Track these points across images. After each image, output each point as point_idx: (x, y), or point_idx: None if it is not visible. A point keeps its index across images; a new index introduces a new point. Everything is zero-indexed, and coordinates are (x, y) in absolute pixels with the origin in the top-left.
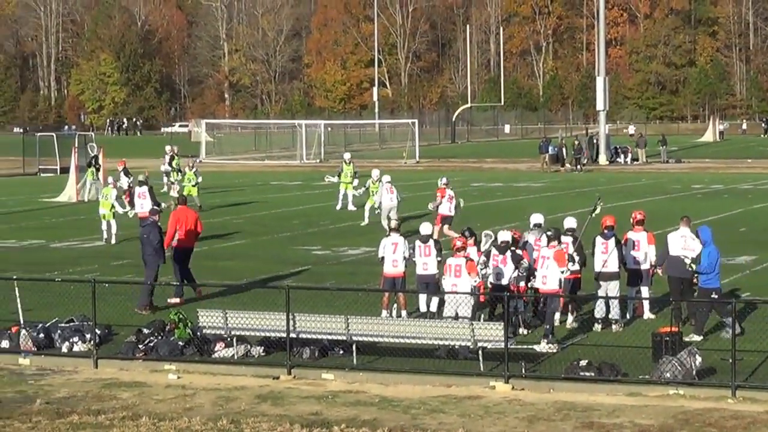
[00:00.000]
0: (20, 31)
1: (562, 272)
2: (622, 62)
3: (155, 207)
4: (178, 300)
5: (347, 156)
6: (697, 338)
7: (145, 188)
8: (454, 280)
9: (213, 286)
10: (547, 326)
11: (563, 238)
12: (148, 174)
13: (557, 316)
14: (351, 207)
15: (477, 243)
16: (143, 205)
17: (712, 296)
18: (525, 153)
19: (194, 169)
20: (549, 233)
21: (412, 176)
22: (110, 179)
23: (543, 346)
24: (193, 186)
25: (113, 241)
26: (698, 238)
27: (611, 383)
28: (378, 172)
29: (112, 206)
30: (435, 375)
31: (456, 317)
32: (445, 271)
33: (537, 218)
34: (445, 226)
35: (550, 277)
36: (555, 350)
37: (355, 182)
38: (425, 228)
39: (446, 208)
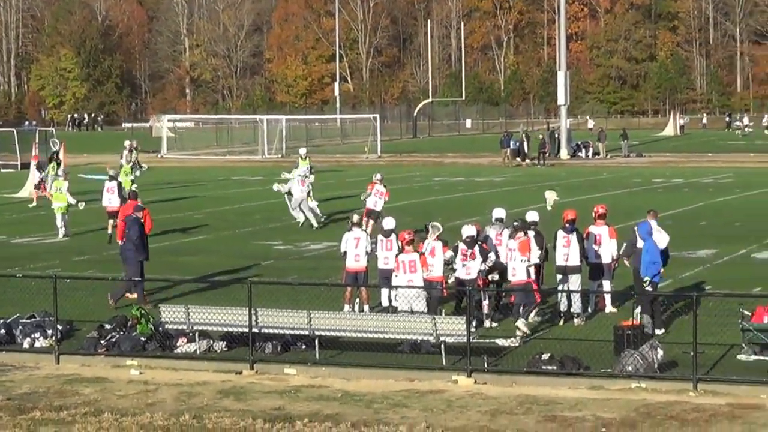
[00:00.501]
0: None
1: (522, 261)
2: (582, 57)
3: (139, 204)
4: (136, 295)
5: (303, 151)
6: (659, 332)
7: (114, 183)
8: (409, 275)
9: (177, 282)
10: (521, 315)
11: (516, 233)
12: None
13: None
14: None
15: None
16: (111, 200)
17: (646, 288)
18: (486, 147)
19: (131, 164)
20: (516, 224)
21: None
22: (60, 172)
23: (521, 324)
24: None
25: (64, 235)
26: (637, 233)
27: (573, 377)
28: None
29: (66, 199)
30: (398, 369)
31: (411, 312)
32: (398, 267)
33: (499, 212)
34: (370, 221)
35: (518, 269)
36: (517, 344)
37: (311, 177)
38: (388, 222)
39: (372, 202)
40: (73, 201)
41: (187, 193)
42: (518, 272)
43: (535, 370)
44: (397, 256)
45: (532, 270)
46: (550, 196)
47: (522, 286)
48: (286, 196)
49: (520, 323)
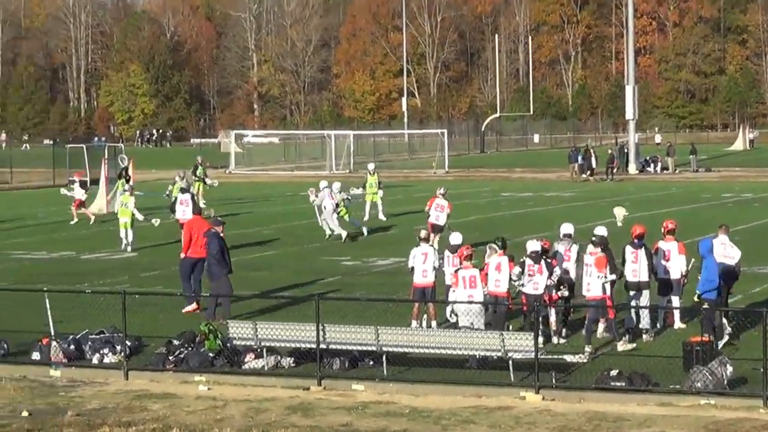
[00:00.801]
0: (50, 43)
1: (598, 278)
2: (651, 71)
3: (218, 218)
4: (193, 308)
5: (371, 166)
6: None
7: (187, 195)
8: (470, 291)
9: (244, 297)
10: (614, 337)
11: (593, 248)
12: (185, 176)
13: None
14: (381, 216)
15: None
16: (185, 212)
17: (703, 307)
18: (554, 162)
19: (184, 180)
20: (593, 239)
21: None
22: (127, 187)
23: (620, 346)
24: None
25: (129, 249)
26: (698, 251)
27: (642, 393)
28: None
29: (132, 214)
30: (465, 385)
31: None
32: (457, 282)
33: (567, 228)
34: (437, 236)
35: (593, 285)
36: (585, 360)
37: (380, 193)
38: (455, 238)
39: (434, 216)
40: (140, 217)
41: (255, 209)
42: (593, 288)
43: (604, 387)
44: (456, 271)
45: (608, 286)
46: (620, 212)
47: (597, 302)
48: (316, 208)
49: (621, 345)
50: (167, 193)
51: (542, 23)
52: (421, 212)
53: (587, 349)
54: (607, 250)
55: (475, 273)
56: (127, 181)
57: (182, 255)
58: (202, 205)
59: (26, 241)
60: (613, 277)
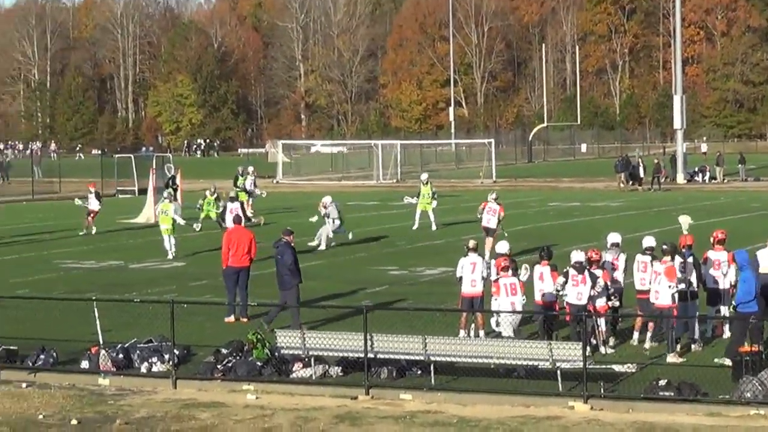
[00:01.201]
0: (98, 53)
1: (669, 287)
2: (699, 80)
3: (288, 228)
4: (232, 318)
5: (424, 176)
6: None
7: (236, 204)
8: (512, 298)
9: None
10: (668, 342)
11: (641, 258)
12: (215, 190)
13: (636, 335)
14: (433, 227)
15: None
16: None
17: (752, 318)
18: (602, 172)
19: (215, 194)
20: (664, 248)
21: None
22: (166, 194)
23: (670, 358)
24: (216, 211)
25: (171, 256)
26: (735, 261)
27: (691, 403)
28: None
29: (173, 221)
30: (513, 395)
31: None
32: (498, 291)
33: (614, 237)
34: (488, 238)
35: (662, 293)
36: (634, 370)
37: (434, 204)
38: (501, 247)
39: (486, 219)
40: (182, 222)
41: (302, 219)
42: (662, 296)
43: (653, 396)
44: (496, 280)
45: (676, 296)
46: (685, 221)
47: (665, 310)
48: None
49: (671, 357)
50: (198, 206)
51: (589, 33)
52: (468, 222)
53: (672, 358)
54: (654, 261)
55: (515, 280)
56: (175, 191)
57: (223, 265)
58: (249, 214)
59: (75, 250)
60: (682, 286)
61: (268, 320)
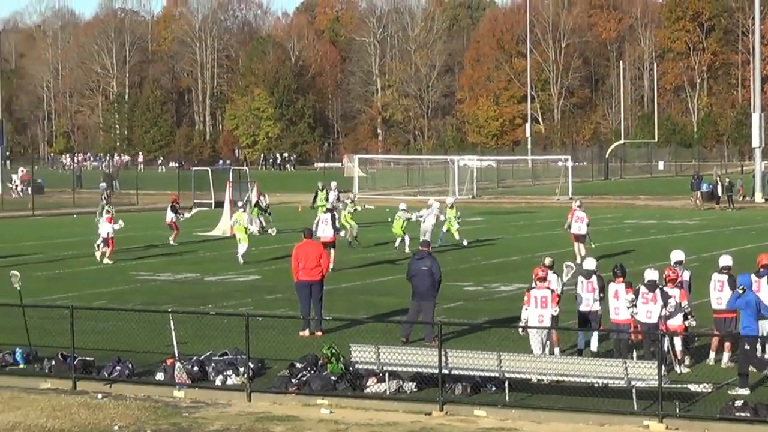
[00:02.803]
0: (176, 66)
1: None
2: None
3: (425, 239)
4: (306, 333)
5: (450, 200)
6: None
7: (328, 215)
8: (540, 311)
9: (366, 321)
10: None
11: (717, 276)
12: (301, 209)
13: (712, 355)
14: (465, 242)
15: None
16: (325, 230)
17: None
18: (679, 190)
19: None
20: (761, 270)
21: (564, 212)
22: (239, 204)
23: None
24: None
25: (241, 261)
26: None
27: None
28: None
29: (246, 229)
30: (588, 413)
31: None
32: (528, 301)
33: (677, 255)
34: (581, 245)
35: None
36: (709, 389)
37: (456, 225)
38: (589, 263)
39: (576, 227)
40: (252, 228)
41: (379, 233)
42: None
43: (728, 417)
44: (528, 290)
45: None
46: None
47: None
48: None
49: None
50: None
51: (667, 50)
52: (543, 237)
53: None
54: (731, 279)
55: (546, 293)
56: (264, 209)
57: (294, 279)
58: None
59: (152, 262)
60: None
61: (404, 334)
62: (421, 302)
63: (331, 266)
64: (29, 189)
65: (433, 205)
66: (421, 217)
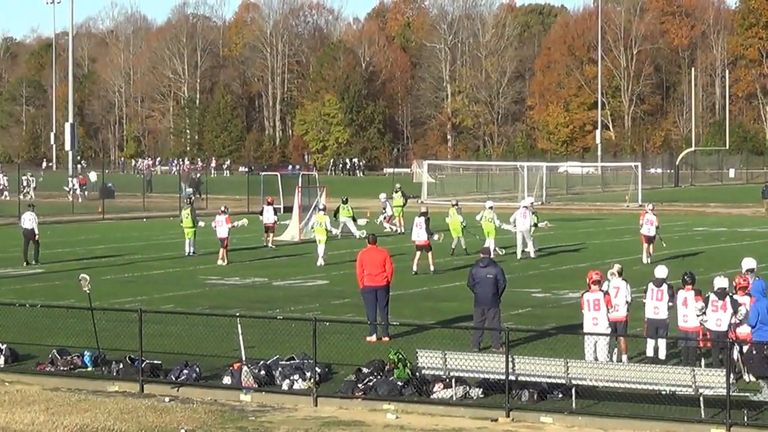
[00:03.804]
0: (247, 72)
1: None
2: None
3: (486, 246)
4: (374, 338)
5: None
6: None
7: (422, 219)
8: (594, 313)
9: (433, 327)
10: None
11: None
12: (370, 214)
13: None
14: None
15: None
16: (419, 234)
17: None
18: (750, 198)
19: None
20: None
21: (634, 219)
22: (321, 204)
23: None
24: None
25: (321, 263)
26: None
27: None
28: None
29: (327, 231)
30: (655, 420)
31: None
32: (583, 305)
33: (749, 263)
34: (650, 246)
35: None
36: None
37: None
38: (660, 271)
39: (646, 229)
40: (335, 231)
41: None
42: None
43: None
44: (583, 294)
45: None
46: None
47: None
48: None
49: None
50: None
51: (740, 57)
52: (612, 244)
53: None
54: None
55: (599, 297)
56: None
57: (360, 285)
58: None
59: (220, 267)
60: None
61: (476, 343)
62: (487, 310)
63: (432, 268)
64: (85, 192)
65: (520, 205)
66: (512, 225)
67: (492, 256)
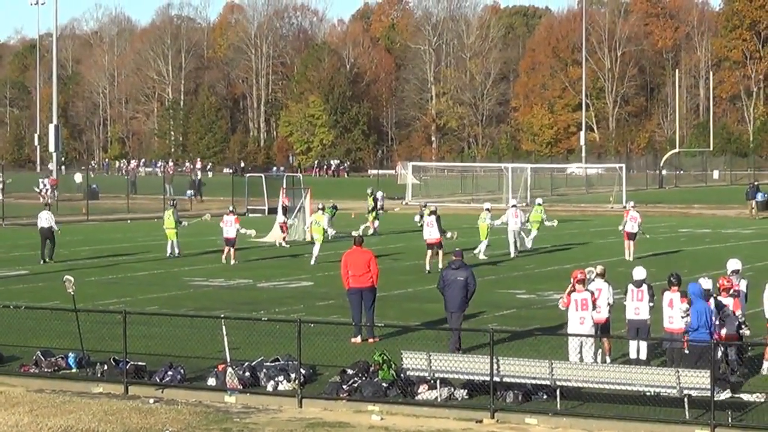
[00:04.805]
0: (231, 73)
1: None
2: None
3: (457, 249)
4: (358, 340)
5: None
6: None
7: (433, 218)
8: (581, 313)
9: (417, 328)
10: None
11: None
12: (355, 215)
13: (765, 364)
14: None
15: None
16: (431, 232)
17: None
18: (734, 199)
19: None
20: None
21: (618, 221)
22: (320, 205)
23: None
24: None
25: (313, 262)
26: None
27: None
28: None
29: (324, 231)
30: (640, 422)
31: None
32: (568, 303)
33: (734, 264)
34: (632, 243)
35: None
36: (762, 399)
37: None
38: (638, 272)
39: (630, 226)
40: (332, 232)
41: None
42: None
43: None
44: (569, 293)
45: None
46: None
47: None
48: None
49: None
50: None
51: (724, 59)
52: (596, 245)
53: None
54: None
55: (586, 296)
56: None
57: (345, 287)
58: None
59: (204, 268)
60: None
61: (454, 348)
62: (452, 313)
63: (440, 266)
64: (55, 193)
65: (509, 205)
66: (504, 222)
67: (481, 258)
